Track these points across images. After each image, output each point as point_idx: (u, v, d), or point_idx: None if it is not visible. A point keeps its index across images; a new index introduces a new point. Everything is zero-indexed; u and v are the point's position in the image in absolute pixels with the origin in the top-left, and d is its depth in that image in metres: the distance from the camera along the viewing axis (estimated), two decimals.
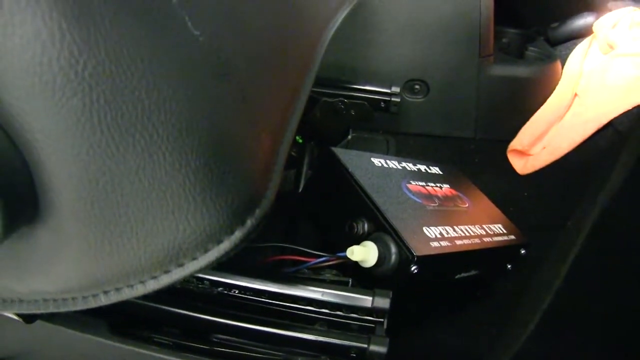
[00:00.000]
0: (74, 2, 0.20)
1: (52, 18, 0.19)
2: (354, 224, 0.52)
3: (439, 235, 0.52)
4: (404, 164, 0.64)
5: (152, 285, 0.26)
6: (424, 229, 0.51)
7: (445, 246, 0.51)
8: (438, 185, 0.64)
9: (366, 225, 0.51)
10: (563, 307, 0.35)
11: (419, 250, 0.47)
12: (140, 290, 0.27)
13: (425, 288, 0.53)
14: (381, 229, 0.50)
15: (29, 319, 0.43)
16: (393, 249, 0.48)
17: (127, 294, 0.27)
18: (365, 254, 0.47)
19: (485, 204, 0.68)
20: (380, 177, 0.57)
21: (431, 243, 0.50)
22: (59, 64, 0.20)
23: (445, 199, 0.62)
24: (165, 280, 0.26)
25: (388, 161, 0.62)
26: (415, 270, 0.47)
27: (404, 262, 0.47)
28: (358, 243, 0.49)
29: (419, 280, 0.48)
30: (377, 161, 0.60)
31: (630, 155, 0.28)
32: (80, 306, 0.27)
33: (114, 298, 0.27)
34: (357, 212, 0.52)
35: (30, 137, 0.21)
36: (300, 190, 0.68)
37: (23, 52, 0.19)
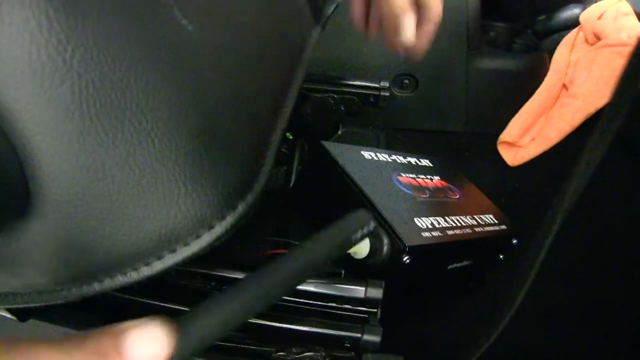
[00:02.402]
0: None
1: (40, 6, 0.19)
2: None
3: (430, 226, 0.52)
4: (394, 157, 0.64)
5: (145, 272, 0.27)
6: (415, 219, 0.52)
7: (436, 236, 0.51)
8: (428, 177, 0.64)
9: None
10: (540, 292, 0.35)
11: (410, 240, 0.48)
12: (133, 276, 0.27)
13: (418, 278, 0.54)
14: None
15: (22, 317, 0.43)
16: (385, 240, 0.48)
17: (120, 281, 0.27)
18: (357, 245, 0.48)
19: (476, 195, 0.69)
20: (371, 169, 0.57)
21: (422, 233, 0.50)
22: (47, 52, 0.20)
23: (436, 190, 0.62)
24: (158, 266, 0.27)
25: (378, 154, 0.62)
26: (407, 260, 0.47)
27: (396, 253, 0.48)
28: None
29: (411, 270, 0.49)
30: (367, 154, 0.61)
31: (604, 136, 0.28)
32: (75, 296, 0.28)
33: (107, 286, 0.27)
34: (348, 204, 0.52)
35: (21, 126, 0.21)
36: (291, 185, 0.68)
37: (11, 40, 0.20)
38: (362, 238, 0.37)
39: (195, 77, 0.26)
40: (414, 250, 0.47)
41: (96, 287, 0.27)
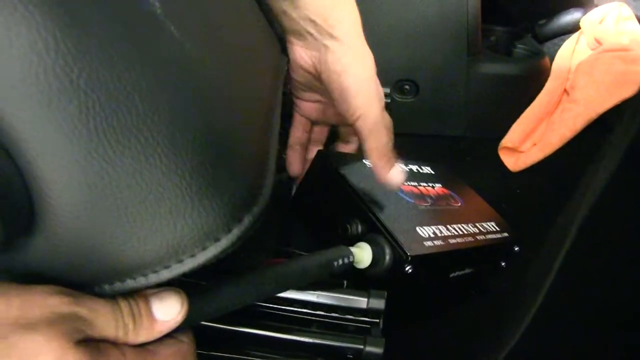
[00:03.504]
0: (66, 13, 0.20)
1: (47, 28, 0.20)
2: (347, 226, 0.52)
3: (432, 235, 0.52)
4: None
5: (153, 279, 0.28)
6: (417, 228, 0.52)
7: (438, 245, 0.51)
8: (430, 184, 0.64)
9: (359, 227, 0.51)
10: (556, 303, 0.35)
11: (412, 250, 0.47)
12: (142, 282, 0.28)
13: (420, 287, 0.53)
14: (374, 230, 0.50)
15: None
16: (387, 250, 0.48)
17: (129, 284, 0.28)
18: (359, 255, 0.48)
19: (478, 202, 0.69)
20: (372, 178, 0.57)
21: (425, 243, 0.50)
22: (54, 72, 0.20)
23: (438, 198, 0.62)
24: (165, 274, 0.28)
25: None
26: (410, 270, 0.47)
27: (398, 263, 0.47)
28: (352, 244, 0.49)
29: (414, 279, 0.48)
30: (368, 162, 0.61)
31: (617, 149, 0.28)
32: None
33: (118, 288, 0.28)
34: (350, 213, 0.52)
35: (27, 145, 0.22)
36: (293, 193, 0.68)
37: (20, 62, 0.20)
38: (342, 267, 0.44)
39: (197, 92, 0.26)
40: (417, 260, 0.47)
41: (106, 289, 0.28)
